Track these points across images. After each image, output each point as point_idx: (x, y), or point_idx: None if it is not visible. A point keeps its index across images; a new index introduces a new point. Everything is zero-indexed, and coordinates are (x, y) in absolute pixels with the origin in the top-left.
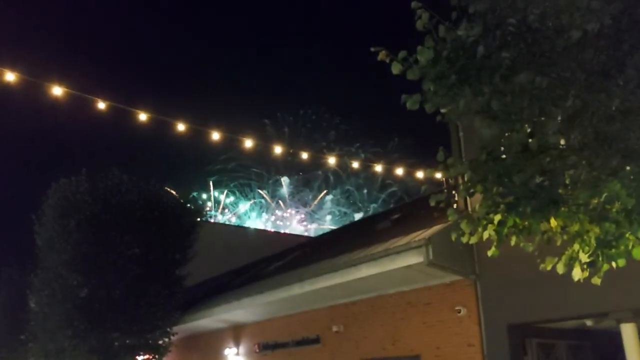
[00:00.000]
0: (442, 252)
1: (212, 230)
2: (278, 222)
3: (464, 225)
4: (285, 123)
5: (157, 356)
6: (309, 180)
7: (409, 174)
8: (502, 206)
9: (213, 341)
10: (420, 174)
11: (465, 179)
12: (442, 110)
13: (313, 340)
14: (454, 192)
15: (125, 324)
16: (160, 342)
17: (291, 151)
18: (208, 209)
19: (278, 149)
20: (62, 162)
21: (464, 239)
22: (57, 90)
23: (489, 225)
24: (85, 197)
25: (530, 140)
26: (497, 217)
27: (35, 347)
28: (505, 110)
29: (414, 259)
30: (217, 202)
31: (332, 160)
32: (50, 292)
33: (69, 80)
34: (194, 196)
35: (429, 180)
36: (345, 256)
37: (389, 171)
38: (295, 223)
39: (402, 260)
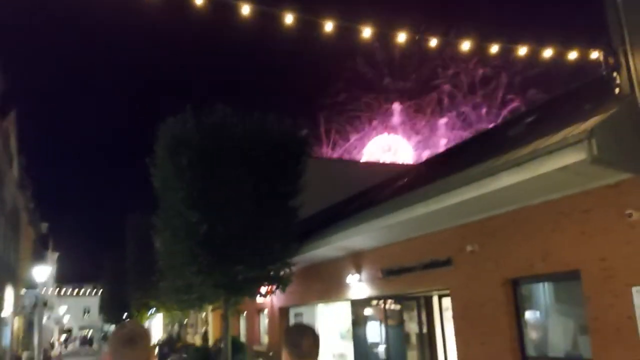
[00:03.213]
0: (608, 145)
1: (319, 166)
2: (389, 152)
3: None
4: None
5: (280, 287)
6: (421, 106)
7: (561, 54)
8: None
9: (334, 269)
10: (573, 55)
11: None
12: None
13: (444, 263)
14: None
15: (246, 257)
16: (282, 273)
17: (418, 37)
18: (319, 145)
19: (402, 36)
20: (165, 100)
21: None
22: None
23: None
24: (192, 133)
25: None
26: None
27: (164, 285)
28: None
29: (572, 157)
30: (327, 137)
31: (466, 45)
32: (172, 231)
33: None
34: (299, 126)
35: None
36: (479, 166)
37: (535, 53)
38: (408, 151)
39: (555, 162)
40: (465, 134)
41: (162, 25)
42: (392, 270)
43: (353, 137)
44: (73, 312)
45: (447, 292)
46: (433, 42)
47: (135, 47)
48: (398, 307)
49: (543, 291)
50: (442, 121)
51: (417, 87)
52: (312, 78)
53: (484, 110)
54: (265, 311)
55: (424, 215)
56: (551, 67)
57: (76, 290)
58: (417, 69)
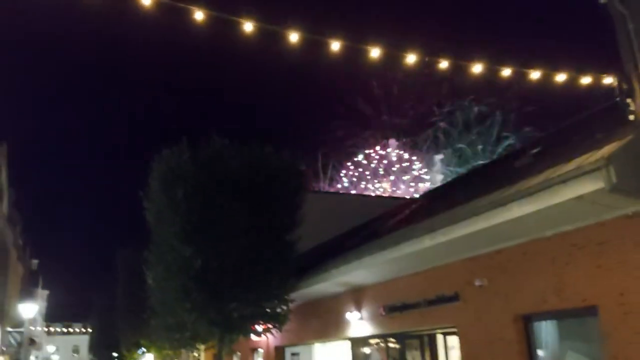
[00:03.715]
0: (627, 173)
1: (317, 199)
2: (385, 186)
3: None
4: (393, 81)
5: (277, 325)
6: (416, 142)
7: (574, 80)
8: None
9: (333, 306)
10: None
11: None
12: None
13: (450, 298)
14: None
15: (241, 294)
16: (279, 310)
17: (427, 59)
18: (316, 180)
19: (412, 57)
20: (159, 131)
21: None
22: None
23: None
24: (188, 165)
25: None
26: None
27: (156, 322)
28: None
29: (588, 186)
30: (324, 173)
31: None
32: (165, 266)
33: None
34: (297, 158)
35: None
36: (488, 197)
37: (548, 77)
38: (404, 187)
39: (570, 191)
40: (461, 170)
41: (156, 55)
42: (395, 307)
43: (351, 174)
44: (62, 351)
45: (453, 329)
46: (443, 65)
47: (128, 75)
48: (400, 346)
49: (557, 328)
50: (438, 157)
51: (413, 123)
52: (310, 114)
53: (479, 147)
54: (260, 350)
55: (431, 248)
56: (547, 104)
57: (66, 329)
58: (414, 106)
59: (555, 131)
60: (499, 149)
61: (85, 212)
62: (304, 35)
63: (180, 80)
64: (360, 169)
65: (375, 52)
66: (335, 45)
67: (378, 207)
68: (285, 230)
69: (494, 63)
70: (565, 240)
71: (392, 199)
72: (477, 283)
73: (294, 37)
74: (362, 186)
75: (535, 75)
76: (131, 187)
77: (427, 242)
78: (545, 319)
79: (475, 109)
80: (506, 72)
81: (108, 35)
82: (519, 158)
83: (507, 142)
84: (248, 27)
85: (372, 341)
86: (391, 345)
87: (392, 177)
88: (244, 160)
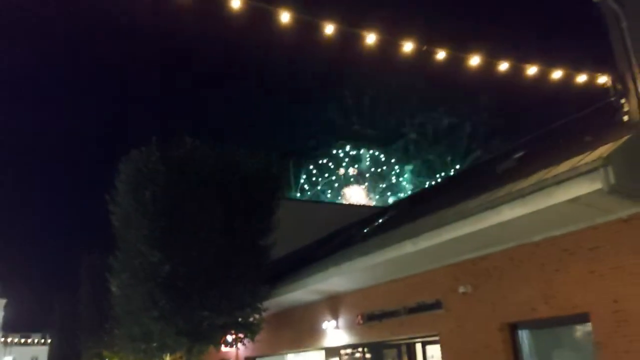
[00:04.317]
0: (624, 174)
1: (289, 207)
2: (354, 196)
3: None
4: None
5: (249, 334)
6: (387, 153)
7: (569, 77)
8: None
9: (308, 315)
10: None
11: None
12: None
13: (432, 306)
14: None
15: (212, 302)
16: (251, 319)
17: (424, 48)
18: (288, 189)
19: (409, 45)
20: (128, 130)
21: None
22: None
23: None
24: (158, 166)
25: None
26: None
27: (120, 332)
28: None
29: (585, 187)
30: (295, 182)
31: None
32: (131, 273)
33: None
34: (272, 161)
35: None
36: (476, 199)
37: (545, 74)
38: (374, 197)
39: (565, 192)
40: (431, 181)
41: (125, 50)
42: (373, 315)
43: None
44: None
45: (434, 338)
46: (440, 55)
47: (92, 73)
48: (378, 356)
49: (546, 337)
50: (408, 168)
51: (384, 134)
52: (281, 123)
53: (448, 159)
54: None
55: (413, 254)
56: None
57: (24, 339)
58: (385, 117)
59: (537, 135)
60: (468, 161)
61: (47, 217)
62: (294, 16)
63: (147, 80)
64: (327, 175)
65: (370, 38)
66: (329, 29)
67: (352, 215)
68: (259, 235)
69: (491, 56)
70: (555, 246)
71: (366, 207)
72: (461, 290)
73: (284, 16)
74: (328, 195)
75: (532, 70)
76: (97, 191)
77: (408, 247)
78: (532, 327)
79: (446, 120)
80: (503, 66)
81: (78, 28)
82: (501, 162)
83: (475, 154)
84: (235, 4)
85: (346, 351)
86: (367, 355)
87: (365, 184)
88: (217, 162)
